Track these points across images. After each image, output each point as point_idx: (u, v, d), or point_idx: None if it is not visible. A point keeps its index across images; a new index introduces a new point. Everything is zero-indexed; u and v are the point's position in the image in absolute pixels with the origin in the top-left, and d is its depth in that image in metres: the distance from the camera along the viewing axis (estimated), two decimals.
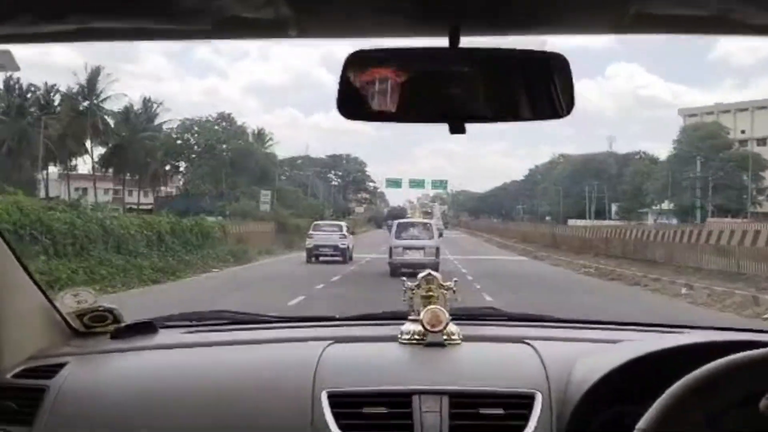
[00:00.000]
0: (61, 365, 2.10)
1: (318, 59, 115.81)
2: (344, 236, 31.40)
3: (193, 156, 66.93)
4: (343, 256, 29.96)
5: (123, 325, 2.40)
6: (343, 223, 35.13)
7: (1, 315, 2.08)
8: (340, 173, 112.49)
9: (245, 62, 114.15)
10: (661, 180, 68.69)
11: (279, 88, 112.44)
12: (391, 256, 24.33)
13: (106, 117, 64.83)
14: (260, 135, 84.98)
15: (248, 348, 2.32)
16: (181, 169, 68.22)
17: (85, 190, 66.06)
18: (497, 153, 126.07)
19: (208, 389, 2.02)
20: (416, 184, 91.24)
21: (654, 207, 73.10)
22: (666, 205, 69.63)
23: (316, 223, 34.98)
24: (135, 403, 2.00)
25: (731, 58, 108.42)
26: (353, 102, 1.44)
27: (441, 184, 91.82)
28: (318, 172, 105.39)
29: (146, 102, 68.96)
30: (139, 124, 68.26)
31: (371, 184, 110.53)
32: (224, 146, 64.70)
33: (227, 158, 64.46)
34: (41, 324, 2.31)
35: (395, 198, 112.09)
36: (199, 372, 2.14)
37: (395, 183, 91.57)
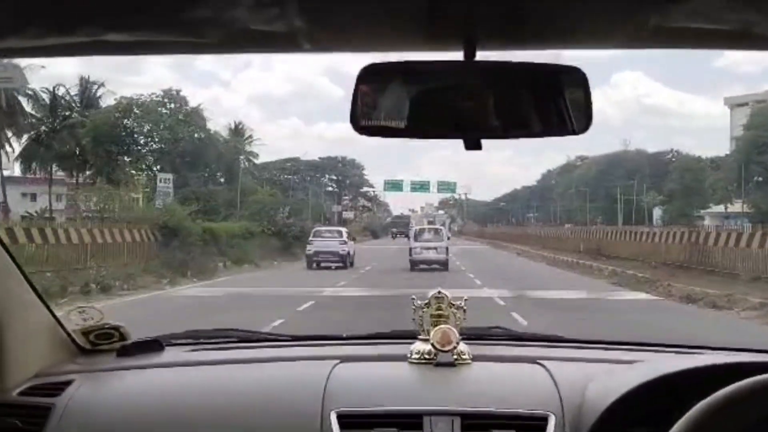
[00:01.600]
0: (67, 383, 2.12)
1: (321, 69, 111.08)
2: (344, 242, 31.35)
3: (133, 146, 50.19)
4: (344, 261, 30.21)
5: (129, 342, 2.40)
6: (343, 229, 34.77)
7: (7, 332, 2.11)
8: (335, 177, 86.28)
9: (248, 72, 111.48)
10: (726, 176, 59.26)
11: (282, 98, 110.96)
12: (411, 254, 29.26)
13: (17, 95, 47.56)
14: (238, 130, 70.03)
15: (255, 367, 2.30)
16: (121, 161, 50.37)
17: (33, 196, 53.97)
18: (500, 162, 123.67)
19: (214, 408, 2.04)
20: (419, 187, 71.63)
21: (711, 207, 64.55)
22: (736, 206, 59.53)
23: (316, 229, 34.41)
24: (141, 422, 2.02)
25: (737, 66, 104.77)
26: (366, 117, 1.39)
27: (448, 186, 71.32)
28: (311, 176, 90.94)
29: (84, 82, 52.73)
30: (70, 108, 52.36)
31: (369, 189, 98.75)
32: (170, 133, 48.36)
33: (175, 148, 48.32)
34: (47, 341, 2.32)
35: (397, 205, 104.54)
36: (206, 390, 2.15)
37: (395, 186, 73.12)
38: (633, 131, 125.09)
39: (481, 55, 1.30)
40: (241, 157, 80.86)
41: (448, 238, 33.60)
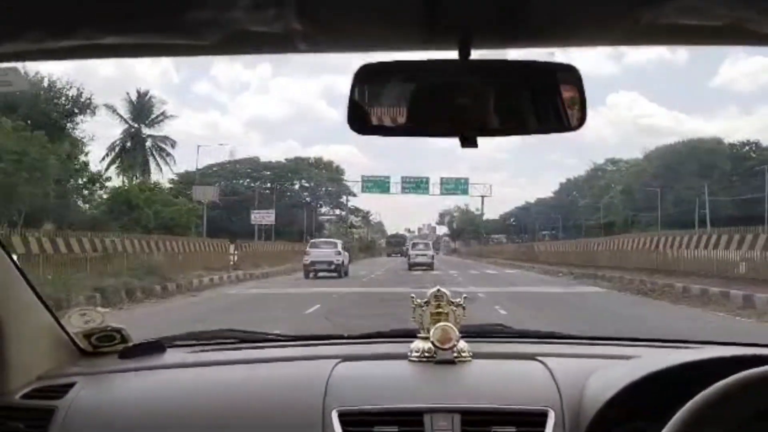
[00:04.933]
0: (70, 385, 2.02)
1: (319, 92, 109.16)
2: (339, 253, 30.87)
3: None
4: (338, 271, 29.92)
5: (131, 344, 2.28)
6: (338, 241, 33.77)
7: (10, 335, 2.01)
8: (306, 184, 51.34)
9: (245, 96, 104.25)
10: None
11: (279, 122, 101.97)
12: (409, 259, 38.86)
13: None
14: (142, 101, 46.80)
15: (257, 367, 2.19)
16: None
17: None
18: (497, 183, 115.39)
19: (217, 409, 1.94)
20: (414, 186, 34.45)
21: None
22: None
23: (312, 241, 34.20)
24: (144, 423, 1.92)
25: (733, 84, 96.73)
26: (363, 116, 1.33)
27: (457, 185, 32.84)
28: (276, 182, 64.06)
29: None
30: None
31: (349, 197, 55.41)
32: None
33: None
34: (49, 344, 2.20)
35: (390, 220, 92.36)
36: (208, 391, 2.05)
37: (378, 185, 36.31)
38: (630, 152, 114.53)
39: (476, 54, 1.25)
40: (147, 144, 47.28)
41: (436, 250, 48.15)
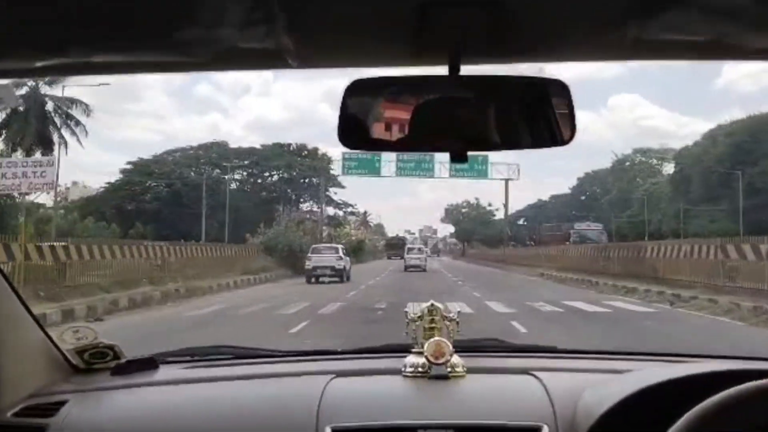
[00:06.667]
0: (62, 403, 1.98)
1: (320, 95, 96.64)
2: (341, 258, 29.90)
3: None
4: (340, 276, 29.11)
5: (124, 361, 2.23)
6: (339, 246, 33.02)
7: (1, 352, 1.98)
8: (286, 174, 31.64)
9: (246, 99, 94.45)
10: None
11: (279, 124, 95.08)
12: (405, 261, 44.40)
13: None
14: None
15: (250, 383, 2.16)
16: None
17: None
18: (498, 183, 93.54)
19: (210, 425, 1.91)
20: (414, 166, 10.19)
21: None
22: None
23: (314, 246, 32.60)
24: None
25: (735, 86, 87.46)
26: (354, 131, 1.33)
27: (473, 164, 13.16)
28: (250, 171, 54.33)
29: None
30: None
31: (336, 190, 38.11)
32: None
33: None
34: (41, 361, 2.15)
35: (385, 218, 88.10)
36: (201, 408, 2.01)
37: (365, 164, 9.81)
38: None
39: (465, 69, 1.26)
40: (47, 108, 36.93)
41: (428, 254, 50.70)
